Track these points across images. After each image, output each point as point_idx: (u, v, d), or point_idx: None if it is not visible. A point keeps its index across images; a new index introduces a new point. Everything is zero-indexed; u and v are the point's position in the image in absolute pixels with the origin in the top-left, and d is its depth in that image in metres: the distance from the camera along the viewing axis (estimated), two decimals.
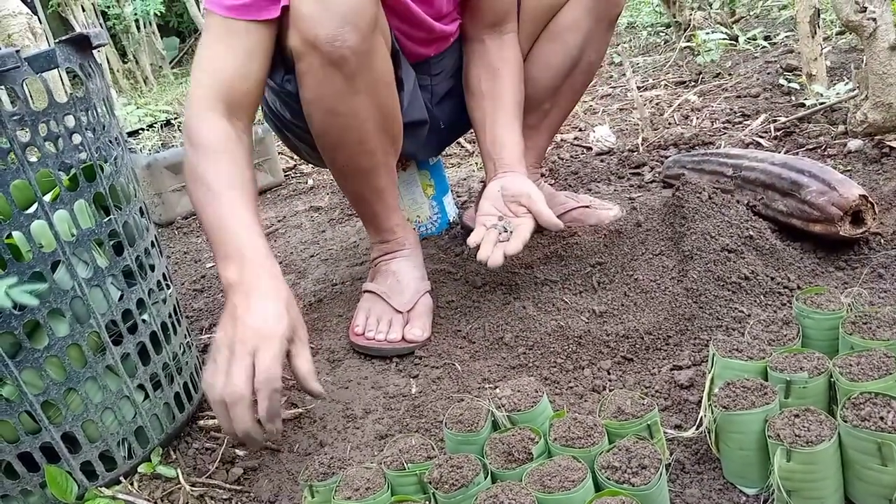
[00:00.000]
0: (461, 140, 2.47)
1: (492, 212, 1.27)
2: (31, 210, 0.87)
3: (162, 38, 6.44)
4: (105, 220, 0.94)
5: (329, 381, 1.23)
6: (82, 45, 0.95)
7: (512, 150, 1.31)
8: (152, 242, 1.06)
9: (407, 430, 1.05)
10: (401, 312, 1.29)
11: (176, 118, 2.74)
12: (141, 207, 1.05)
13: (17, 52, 0.83)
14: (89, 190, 0.92)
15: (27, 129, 0.86)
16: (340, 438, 1.07)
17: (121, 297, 0.97)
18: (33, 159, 0.86)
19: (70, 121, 0.91)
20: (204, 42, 1.13)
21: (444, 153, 2.41)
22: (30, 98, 0.86)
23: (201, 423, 1.12)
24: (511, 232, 1.22)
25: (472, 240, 1.24)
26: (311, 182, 2.52)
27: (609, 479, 0.75)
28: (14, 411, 0.88)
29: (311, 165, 2.73)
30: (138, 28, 5.72)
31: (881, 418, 0.72)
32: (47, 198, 0.88)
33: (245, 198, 1.03)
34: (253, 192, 1.05)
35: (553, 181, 1.92)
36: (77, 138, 0.93)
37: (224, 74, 1.07)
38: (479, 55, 1.37)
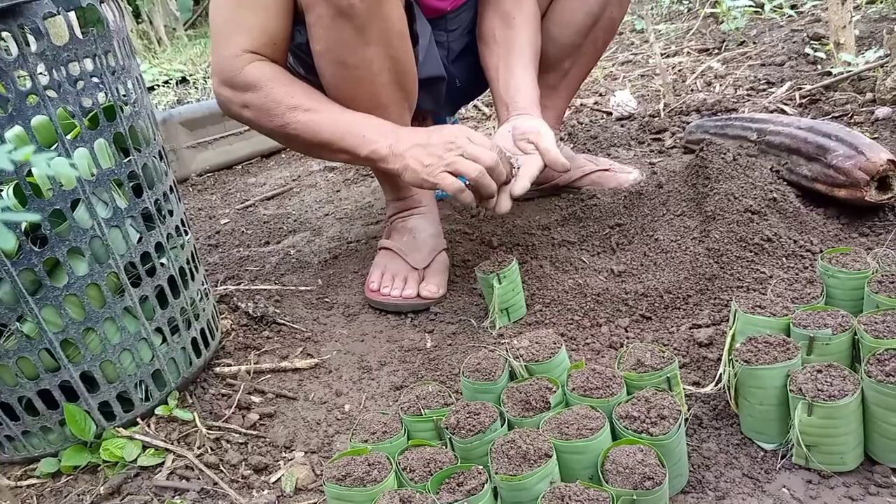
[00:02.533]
0: (477, 103, 2.45)
1: None
2: (52, 148, 0.86)
3: None
4: (125, 160, 0.94)
5: (344, 334, 1.23)
6: None
7: (527, 94, 1.27)
8: (171, 187, 1.06)
9: (423, 381, 1.05)
10: (416, 269, 1.28)
11: (191, 76, 2.72)
12: (160, 151, 1.04)
13: None
14: (109, 129, 0.91)
15: (47, 67, 0.85)
16: (356, 388, 1.08)
17: (139, 240, 0.97)
18: (54, 95, 0.85)
19: (90, 60, 0.90)
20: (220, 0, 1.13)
21: (460, 115, 2.39)
22: (50, 36, 0.85)
23: (217, 369, 1.12)
24: (518, 168, 1.14)
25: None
26: None
27: (627, 429, 0.75)
28: (34, 348, 0.89)
29: None
30: None
31: None
32: (68, 136, 0.87)
33: (333, 102, 1.14)
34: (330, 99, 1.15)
35: (572, 145, 1.90)
36: (96, 78, 0.92)
37: (255, 32, 1.10)
38: (494, 5, 1.34)
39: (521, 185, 1.12)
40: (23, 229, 0.85)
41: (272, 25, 1.11)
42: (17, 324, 0.88)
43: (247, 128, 2.43)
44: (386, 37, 1.10)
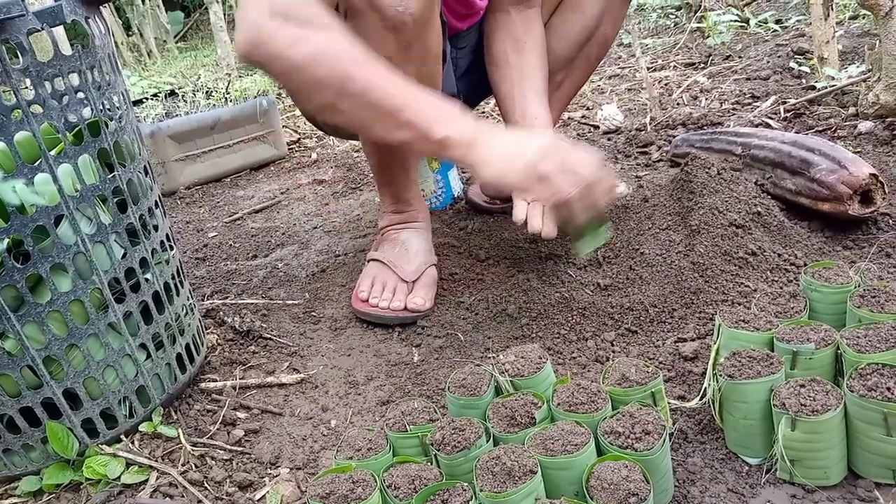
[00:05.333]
0: None
1: None
2: (36, 164, 0.86)
3: (167, 11, 6.40)
4: (109, 176, 0.93)
5: (331, 348, 1.23)
6: None
7: (543, 125, 1.30)
8: (156, 203, 1.06)
9: (409, 397, 1.05)
10: (406, 282, 1.28)
11: (180, 89, 2.72)
12: (145, 166, 1.04)
13: (23, 0, 0.81)
14: (93, 145, 0.91)
15: (31, 83, 0.84)
16: (342, 404, 1.07)
17: (124, 255, 0.96)
18: (38, 110, 0.85)
19: (75, 75, 0.90)
20: None
21: None
22: (34, 52, 0.85)
23: (203, 385, 1.12)
24: None
25: (517, 216, 1.16)
26: (314, 155, 2.51)
27: (612, 444, 0.75)
28: (16, 365, 0.88)
29: (314, 140, 2.72)
30: (143, 1, 5.68)
31: (888, 388, 0.71)
32: (52, 152, 0.87)
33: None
34: None
35: None
36: (81, 93, 0.92)
37: None
38: (504, 27, 1.35)
39: None
40: (5, 246, 0.84)
41: None
42: None
43: (236, 140, 2.43)
44: (424, 56, 1.10)
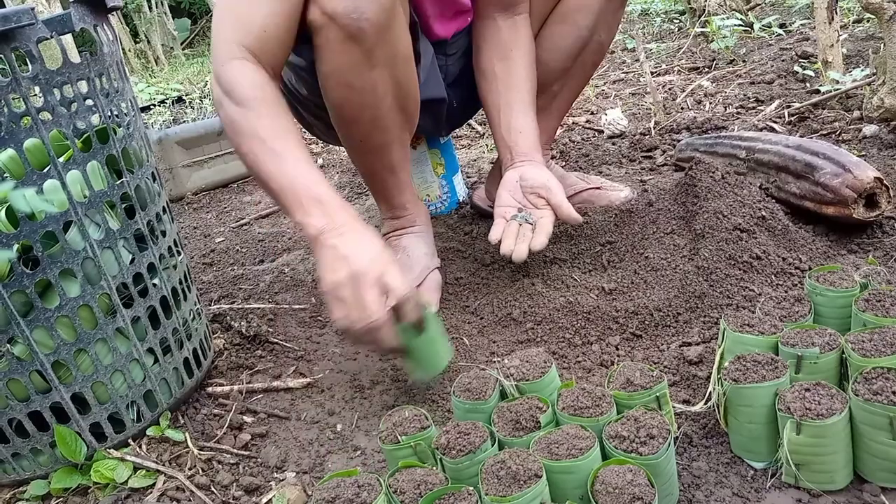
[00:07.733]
0: (471, 121, 2.46)
1: (510, 203, 1.26)
2: (45, 171, 0.87)
3: (174, 18, 6.44)
4: (117, 182, 0.94)
5: (337, 352, 1.23)
6: (97, 6, 0.94)
7: (528, 138, 1.30)
8: (164, 208, 1.06)
9: (414, 402, 1.05)
10: None
11: (188, 95, 2.74)
12: (153, 172, 1.05)
13: (32, 9, 0.82)
14: (102, 152, 0.92)
15: (41, 90, 0.85)
16: (348, 408, 1.08)
17: (132, 261, 0.97)
18: (47, 117, 0.86)
19: (84, 82, 0.91)
20: None
21: (454, 134, 2.41)
22: (43, 60, 0.86)
23: (210, 389, 1.12)
24: (534, 224, 1.21)
25: (493, 236, 1.24)
26: (320, 161, 2.52)
27: (617, 449, 0.75)
28: (25, 370, 0.89)
29: (320, 145, 2.74)
30: (150, 8, 5.72)
31: (893, 392, 0.71)
32: (61, 159, 0.88)
33: (298, 145, 1.03)
34: (300, 138, 1.05)
35: (564, 163, 1.91)
36: (90, 100, 0.93)
37: (252, 18, 1.03)
38: (492, 36, 1.35)
39: (539, 241, 1.18)
40: (15, 251, 0.85)
41: (273, 32, 1.04)
42: (8, 346, 0.88)
43: None
44: (392, 61, 1.10)
